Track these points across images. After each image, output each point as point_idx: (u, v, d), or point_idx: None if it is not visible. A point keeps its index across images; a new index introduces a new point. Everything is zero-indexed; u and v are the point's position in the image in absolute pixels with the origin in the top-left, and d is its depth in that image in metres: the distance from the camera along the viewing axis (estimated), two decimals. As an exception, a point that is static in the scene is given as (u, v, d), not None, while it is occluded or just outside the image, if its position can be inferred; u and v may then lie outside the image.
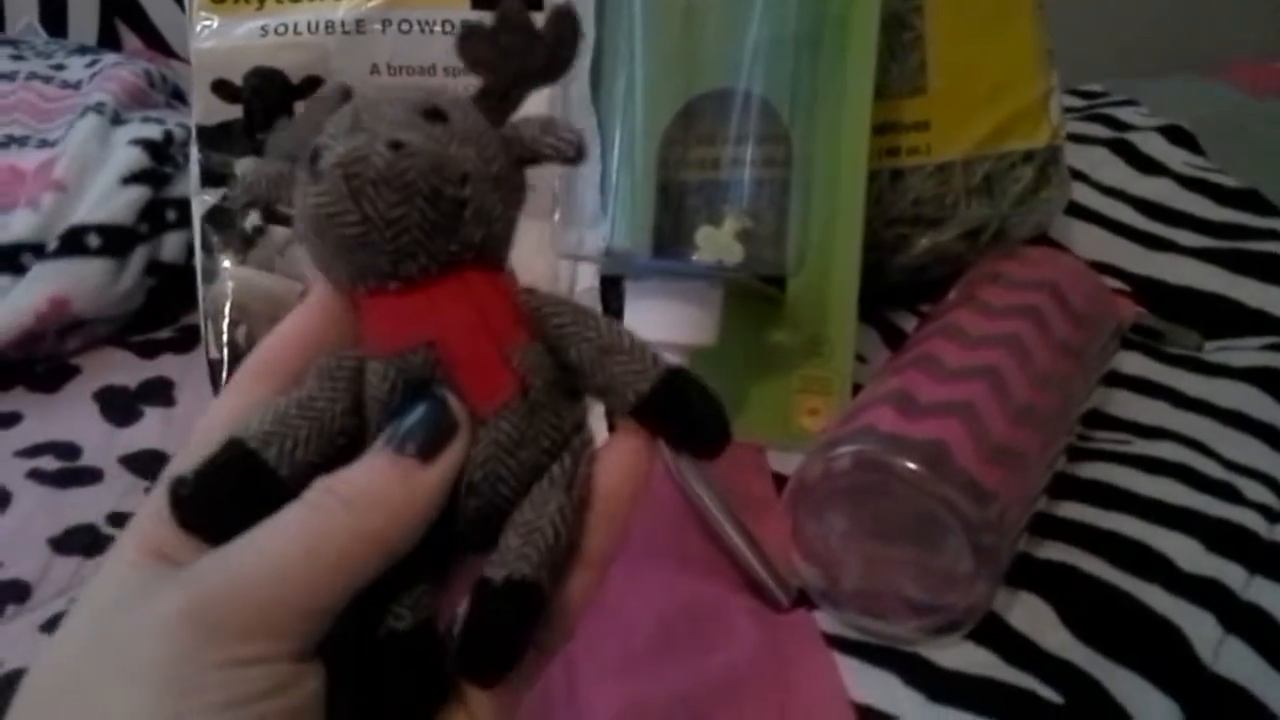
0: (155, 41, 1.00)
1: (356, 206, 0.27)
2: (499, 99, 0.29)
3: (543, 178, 0.60)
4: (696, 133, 0.59)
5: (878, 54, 0.58)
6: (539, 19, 0.29)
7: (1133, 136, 0.88)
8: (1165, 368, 0.64)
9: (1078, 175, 0.82)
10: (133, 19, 1.00)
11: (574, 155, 0.29)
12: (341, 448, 0.28)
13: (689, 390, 0.29)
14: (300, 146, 0.29)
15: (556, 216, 0.59)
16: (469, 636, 0.27)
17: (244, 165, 0.30)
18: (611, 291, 0.59)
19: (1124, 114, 0.93)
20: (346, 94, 0.30)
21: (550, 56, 0.30)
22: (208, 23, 0.60)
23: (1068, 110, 0.94)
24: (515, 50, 0.29)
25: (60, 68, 0.76)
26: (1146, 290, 0.72)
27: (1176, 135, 0.88)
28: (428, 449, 0.27)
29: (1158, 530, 0.51)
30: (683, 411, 0.30)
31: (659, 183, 0.58)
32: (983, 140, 0.65)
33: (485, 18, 0.29)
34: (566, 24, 0.30)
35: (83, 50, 0.82)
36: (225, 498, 0.27)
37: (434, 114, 0.28)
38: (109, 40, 0.99)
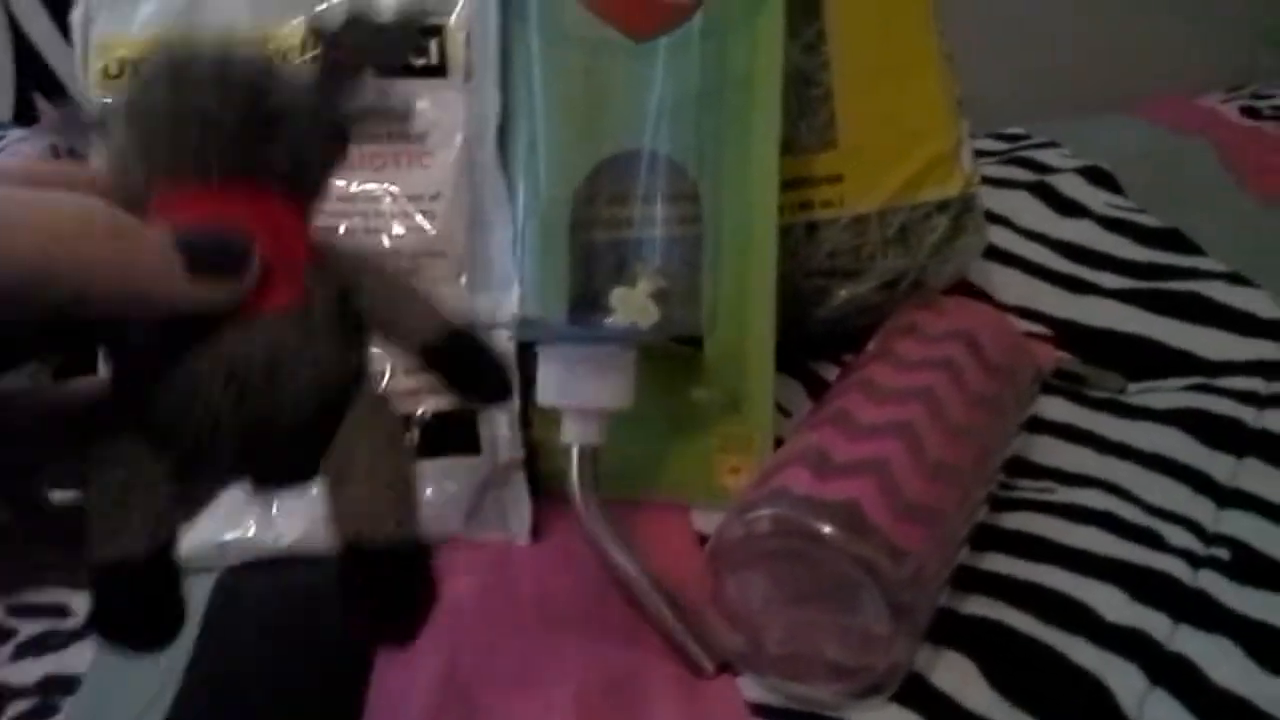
0: (72, 114, 0.98)
1: (172, 94, 0.27)
2: (328, 74, 0.31)
3: (451, 242, 0.59)
4: (607, 194, 0.58)
5: (786, 111, 0.58)
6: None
7: (1053, 179, 0.89)
8: (1088, 412, 0.63)
9: (999, 219, 0.83)
10: (50, 91, 0.98)
11: (404, 116, 0.33)
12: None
13: (475, 344, 0.31)
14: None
15: (463, 281, 0.58)
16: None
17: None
18: (529, 353, 0.58)
19: (1044, 156, 0.94)
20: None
21: (395, 50, 0.32)
22: (103, 101, 0.59)
23: (989, 154, 0.95)
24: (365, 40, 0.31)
25: (-37, 145, 0.75)
26: (1069, 333, 0.72)
27: (1096, 176, 0.89)
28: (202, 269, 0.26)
29: (1082, 580, 0.50)
30: (467, 363, 0.31)
31: (571, 244, 0.58)
32: (896, 192, 0.65)
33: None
34: (412, 26, 0.33)
35: (-13, 127, 0.80)
36: None
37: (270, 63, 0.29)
38: (26, 113, 0.97)
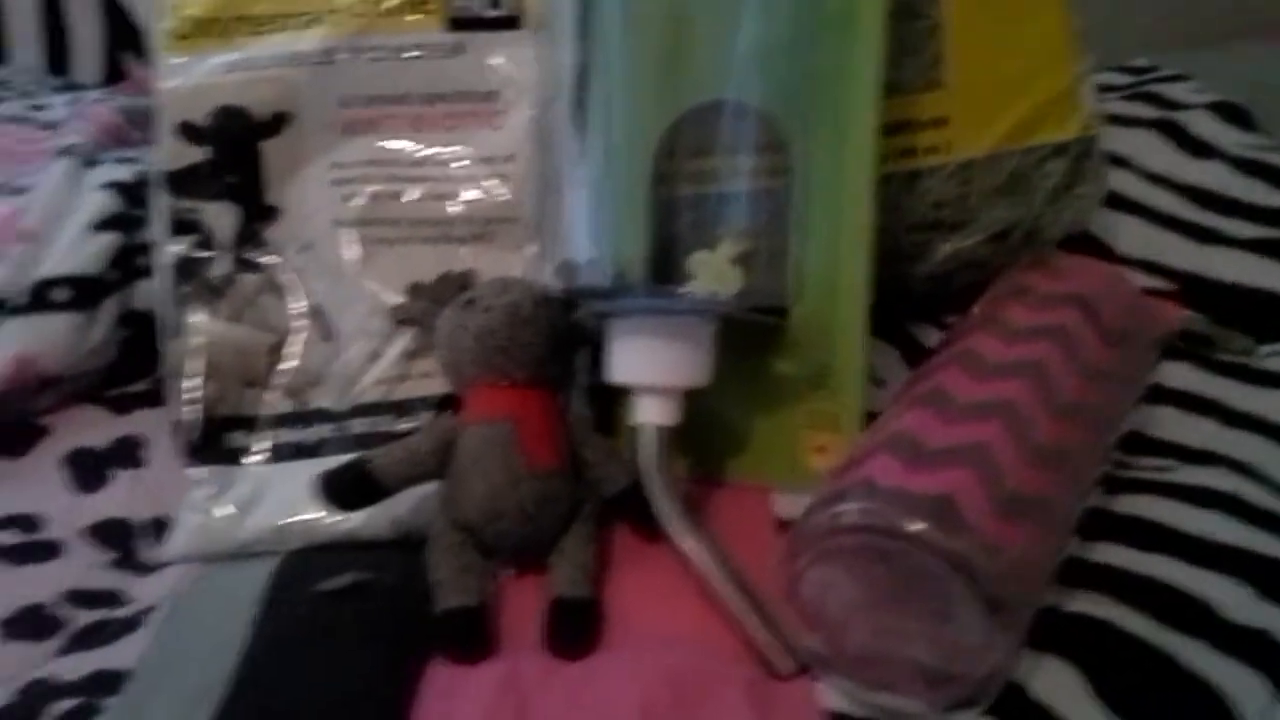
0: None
1: (509, 330, 0.49)
2: (566, 304, 0.52)
3: (526, 206, 0.56)
4: (689, 148, 0.54)
5: (889, 47, 0.53)
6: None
7: (1181, 116, 0.82)
8: (1214, 378, 0.58)
9: (1121, 162, 0.76)
10: (138, 51, 0.97)
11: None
12: (424, 473, 0.50)
13: (643, 497, 0.49)
14: (443, 297, 0.54)
15: (534, 250, 0.55)
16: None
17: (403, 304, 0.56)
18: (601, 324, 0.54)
19: (1173, 91, 0.86)
20: (470, 276, 0.56)
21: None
22: (172, 62, 0.58)
23: (1111, 89, 0.88)
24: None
25: (41, 108, 0.74)
26: (1195, 289, 0.66)
27: (1229, 112, 0.81)
28: None
29: (1202, 574, 0.46)
30: (637, 511, 0.50)
31: (649, 203, 0.54)
32: (1007, 135, 0.61)
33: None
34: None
35: (67, 88, 0.79)
36: (342, 487, 0.49)
37: (545, 297, 0.51)
38: (115, 74, 0.96)
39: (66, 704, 0.44)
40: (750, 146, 0.54)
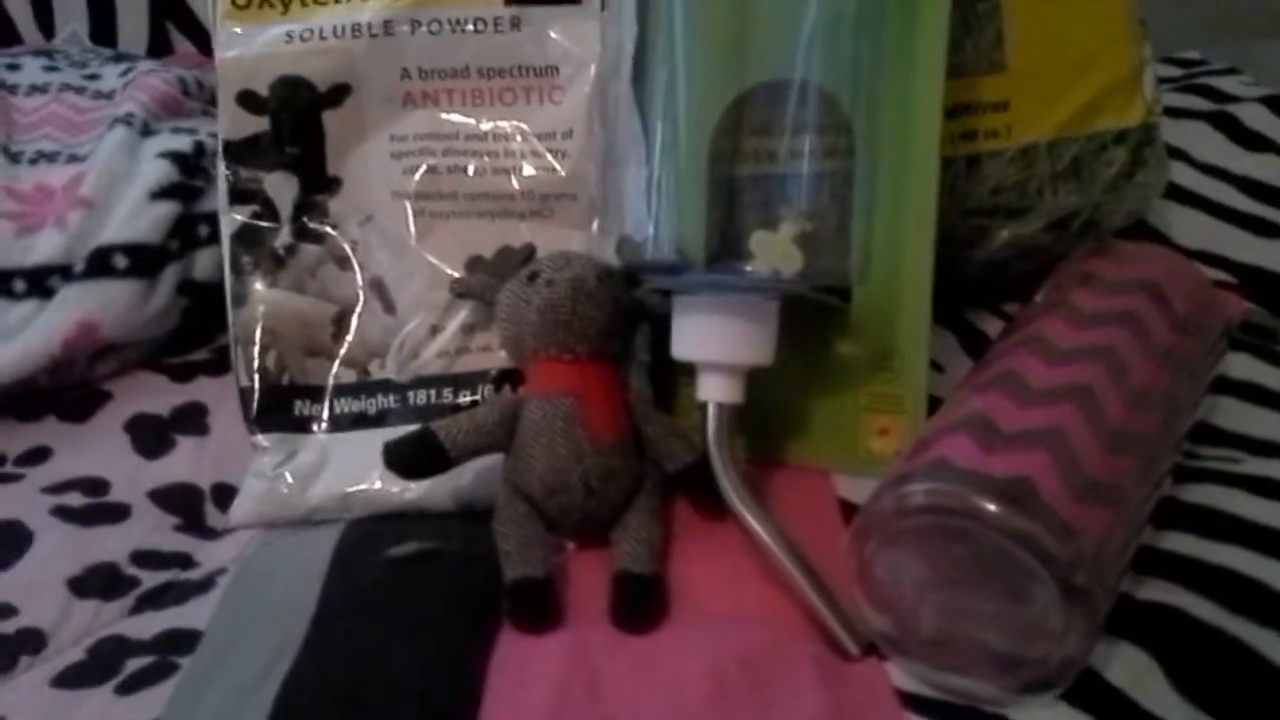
0: (207, 45, 0.97)
1: (572, 304, 0.49)
2: (627, 279, 0.52)
3: (584, 184, 0.56)
4: (749, 127, 0.54)
5: (950, 28, 0.53)
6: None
7: (1234, 109, 0.81)
8: (1277, 370, 0.57)
9: (1176, 154, 0.76)
10: (183, 23, 0.97)
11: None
12: (489, 444, 0.50)
13: (706, 473, 0.49)
14: (503, 271, 0.54)
15: (595, 227, 0.55)
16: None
17: (463, 278, 0.56)
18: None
19: (1225, 84, 0.86)
20: (531, 250, 0.56)
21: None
22: (232, 31, 0.57)
23: (1163, 81, 0.87)
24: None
25: (94, 77, 0.74)
26: (1255, 281, 0.65)
27: (1282, 106, 0.80)
28: None
29: (1273, 564, 0.45)
30: (700, 487, 0.50)
31: (709, 182, 0.54)
32: (1069, 120, 0.60)
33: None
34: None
35: (119, 58, 0.79)
36: (409, 456, 0.49)
37: (608, 272, 0.51)
38: (160, 45, 0.96)
39: (141, 661, 0.44)
40: (813, 126, 0.53)
